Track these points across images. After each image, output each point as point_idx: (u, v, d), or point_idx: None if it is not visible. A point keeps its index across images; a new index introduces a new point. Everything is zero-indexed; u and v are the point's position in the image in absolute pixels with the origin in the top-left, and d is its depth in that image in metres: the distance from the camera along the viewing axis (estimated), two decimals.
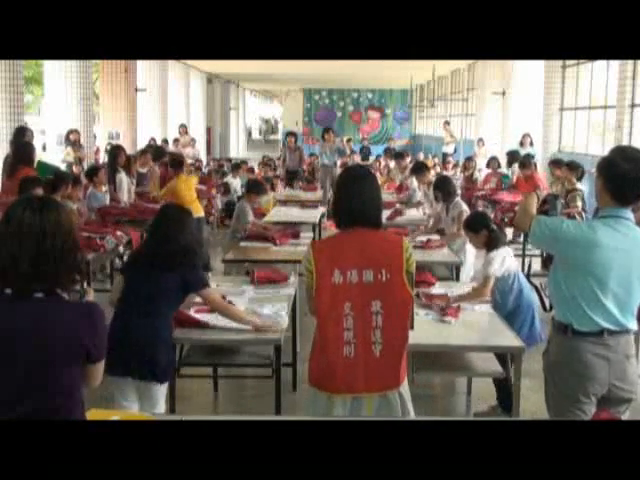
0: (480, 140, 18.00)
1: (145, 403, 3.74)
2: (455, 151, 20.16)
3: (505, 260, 4.65)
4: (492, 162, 13.05)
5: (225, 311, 3.98)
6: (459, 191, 12.51)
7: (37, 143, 9.38)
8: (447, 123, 22.21)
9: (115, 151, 9.68)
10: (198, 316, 4.11)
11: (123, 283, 3.87)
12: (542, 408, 4.98)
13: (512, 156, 12.24)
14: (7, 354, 2.12)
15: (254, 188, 7.60)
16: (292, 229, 7.38)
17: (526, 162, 10.33)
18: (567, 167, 8.85)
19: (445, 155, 18.20)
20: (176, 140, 18.08)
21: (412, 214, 8.84)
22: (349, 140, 18.51)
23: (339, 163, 13.27)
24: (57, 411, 2.17)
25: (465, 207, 6.85)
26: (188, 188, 8.58)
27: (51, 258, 2.14)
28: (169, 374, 3.81)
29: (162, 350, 3.72)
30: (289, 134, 14.88)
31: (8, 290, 2.14)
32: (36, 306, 2.14)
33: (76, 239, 2.26)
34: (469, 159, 13.79)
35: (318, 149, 14.40)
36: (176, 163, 8.89)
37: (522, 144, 14.05)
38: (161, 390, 3.78)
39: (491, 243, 4.74)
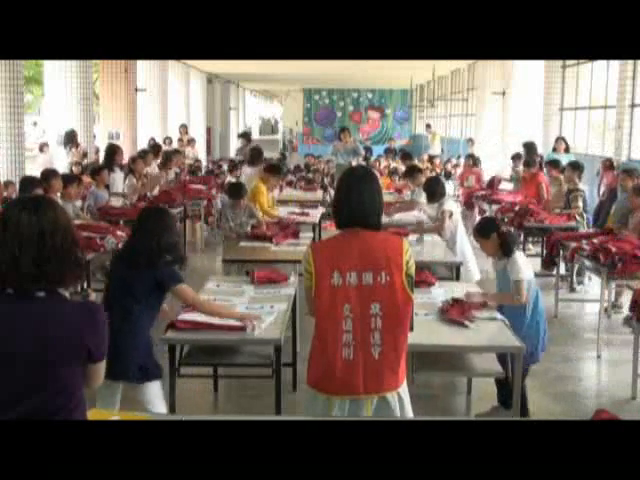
0: (470, 140, 18.17)
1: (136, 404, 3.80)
2: (442, 152, 20.08)
3: (526, 265, 4.56)
4: (467, 160, 13.21)
5: (201, 307, 3.99)
6: (459, 191, 12.64)
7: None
8: (428, 126, 22.43)
9: (112, 150, 9.64)
10: (191, 318, 4.09)
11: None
12: (542, 408, 5.02)
13: (516, 158, 12.34)
14: (7, 354, 2.11)
15: (237, 192, 7.48)
16: (292, 228, 7.38)
17: (530, 161, 10.32)
18: (570, 167, 8.85)
19: (432, 157, 18.13)
20: (180, 140, 18.11)
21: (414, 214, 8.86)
22: None
23: (353, 164, 13.23)
24: (58, 411, 2.16)
25: (449, 206, 6.84)
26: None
27: (53, 257, 2.13)
28: (147, 376, 3.81)
29: (134, 352, 3.75)
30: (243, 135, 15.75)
31: (10, 290, 2.13)
32: (37, 306, 2.14)
33: (75, 236, 2.25)
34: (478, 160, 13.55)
35: (331, 149, 14.35)
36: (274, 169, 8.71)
37: (555, 149, 12.01)
38: (145, 392, 3.82)
39: (506, 246, 4.61)
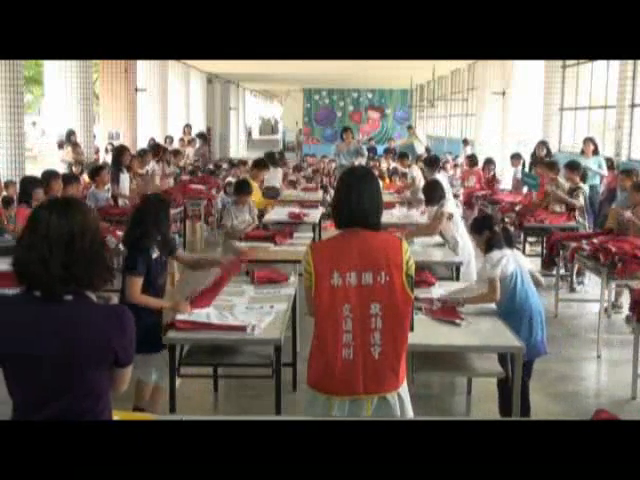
0: (465, 140, 18.17)
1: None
2: (428, 151, 20.02)
3: (502, 261, 4.54)
4: (468, 160, 13.21)
5: (137, 300, 4.16)
6: (460, 190, 12.63)
7: None
8: (410, 127, 22.52)
9: (120, 151, 9.69)
10: (191, 318, 4.10)
11: None
12: (542, 408, 5.02)
13: (516, 158, 12.34)
14: (33, 356, 2.10)
15: (242, 188, 7.55)
16: (288, 228, 7.39)
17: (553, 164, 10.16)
18: (567, 167, 8.86)
19: (418, 157, 18.19)
20: (181, 140, 18.14)
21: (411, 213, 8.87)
22: None
23: (356, 164, 13.16)
24: (84, 414, 2.15)
25: (448, 209, 6.86)
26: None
27: (81, 260, 2.12)
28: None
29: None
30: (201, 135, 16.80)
31: (37, 292, 2.12)
32: (64, 308, 2.12)
33: (103, 239, 2.25)
34: (489, 161, 13.42)
35: (334, 150, 14.33)
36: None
37: (584, 152, 10.73)
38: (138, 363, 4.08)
39: (488, 245, 4.68)
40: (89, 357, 2.13)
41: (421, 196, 8.25)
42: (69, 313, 2.13)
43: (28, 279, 2.13)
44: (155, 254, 4.31)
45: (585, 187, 8.78)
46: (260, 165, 9.13)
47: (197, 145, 18.92)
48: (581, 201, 8.46)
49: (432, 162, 9.05)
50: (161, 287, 4.42)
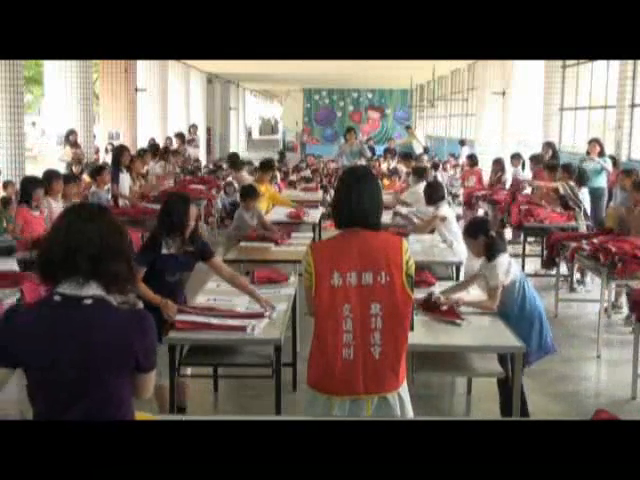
0: (462, 141, 18.20)
1: None
2: (426, 151, 20.01)
3: (510, 267, 4.48)
4: (468, 160, 13.15)
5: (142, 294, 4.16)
6: (460, 190, 12.62)
7: None
8: (408, 127, 22.57)
9: (120, 150, 9.70)
10: (191, 318, 4.10)
11: None
12: (542, 408, 5.02)
13: (516, 158, 12.29)
14: (50, 359, 2.10)
15: (249, 193, 7.51)
16: (288, 228, 7.39)
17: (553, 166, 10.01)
18: (562, 169, 8.86)
19: (417, 157, 18.21)
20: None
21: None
22: None
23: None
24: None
25: (443, 212, 6.93)
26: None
27: (108, 255, 2.13)
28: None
29: None
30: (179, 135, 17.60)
31: (57, 297, 2.13)
32: (82, 312, 2.12)
33: (128, 243, 2.28)
34: (497, 161, 12.86)
35: (336, 151, 14.28)
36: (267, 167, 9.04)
37: (589, 153, 10.33)
38: None
39: (490, 251, 4.55)
40: (108, 361, 2.12)
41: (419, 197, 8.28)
42: (86, 316, 2.12)
43: (53, 276, 2.14)
44: (167, 250, 4.29)
45: (584, 189, 8.75)
46: (265, 168, 9.04)
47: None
48: (563, 188, 8.46)
49: (420, 172, 9.03)
50: (172, 284, 4.37)
